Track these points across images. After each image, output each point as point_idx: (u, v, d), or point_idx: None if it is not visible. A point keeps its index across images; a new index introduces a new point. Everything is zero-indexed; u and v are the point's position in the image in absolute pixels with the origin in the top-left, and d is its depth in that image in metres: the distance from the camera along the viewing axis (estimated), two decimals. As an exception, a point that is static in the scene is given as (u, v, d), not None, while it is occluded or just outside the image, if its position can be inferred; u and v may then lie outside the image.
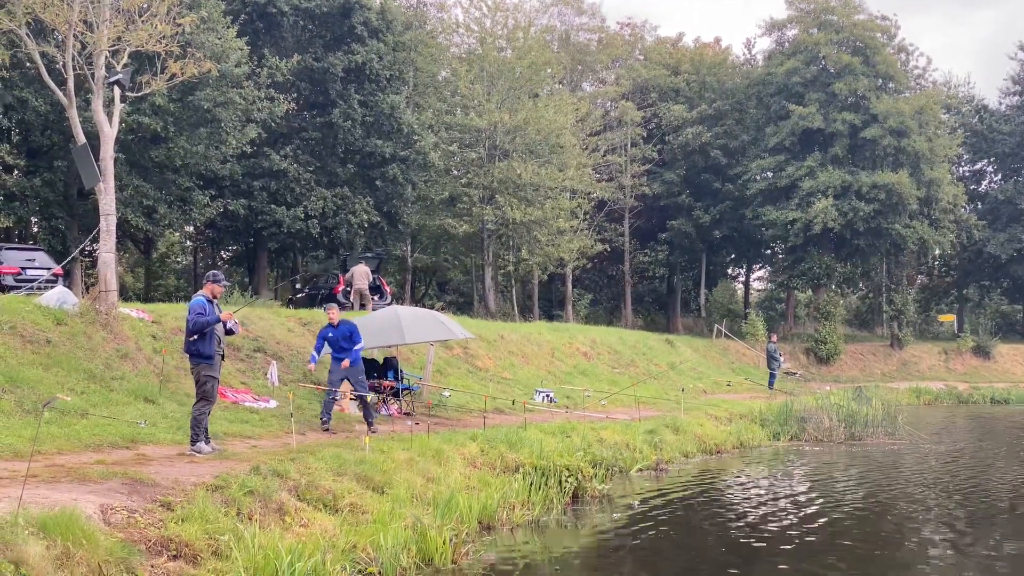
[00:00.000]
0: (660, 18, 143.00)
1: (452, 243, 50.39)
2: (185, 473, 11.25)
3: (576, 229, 50.38)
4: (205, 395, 13.58)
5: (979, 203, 68.83)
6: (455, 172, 49.48)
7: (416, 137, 41.74)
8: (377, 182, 42.08)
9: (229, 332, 14.11)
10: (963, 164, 69.64)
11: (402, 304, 38.62)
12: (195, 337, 13.48)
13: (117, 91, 19.83)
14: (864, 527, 14.93)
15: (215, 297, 13.78)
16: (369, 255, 37.61)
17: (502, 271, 49.06)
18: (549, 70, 52.08)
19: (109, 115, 19.82)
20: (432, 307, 40.20)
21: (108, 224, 19.24)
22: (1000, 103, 69.64)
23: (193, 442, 13.49)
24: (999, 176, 70.36)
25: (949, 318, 71.57)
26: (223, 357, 14.05)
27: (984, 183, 71.59)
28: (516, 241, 46.82)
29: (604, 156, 54.76)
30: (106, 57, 19.67)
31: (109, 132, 19.57)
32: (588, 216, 54.68)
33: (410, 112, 42.71)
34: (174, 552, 9.02)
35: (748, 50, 67.50)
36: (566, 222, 47.90)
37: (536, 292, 55.78)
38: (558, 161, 47.11)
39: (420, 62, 47.17)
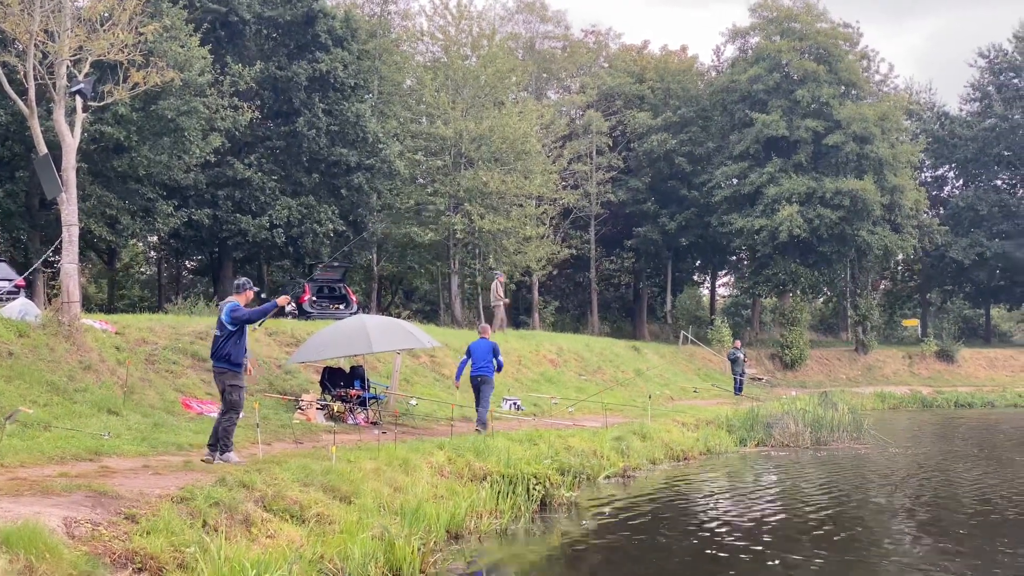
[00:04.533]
0: (628, 27, 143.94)
1: (418, 252, 50.28)
2: (150, 485, 11.16)
3: (542, 236, 50.40)
4: (232, 405, 13.79)
5: (941, 208, 69.44)
6: (421, 180, 49.42)
7: (381, 145, 41.65)
8: (342, 191, 41.96)
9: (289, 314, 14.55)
10: (925, 170, 70.18)
11: (368, 313, 38.57)
12: (232, 339, 13.80)
13: (79, 101, 19.70)
14: (831, 531, 15.00)
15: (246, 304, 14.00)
16: (335, 264, 37.54)
17: (468, 279, 49.02)
18: (514, 78, 52.06)
19: (71, 125, 19.68)
20: (398, 316, 40.17)
21: (70, 235, 19.09)
22: (961, 109, 70.33)
23: (222, 451, 13.66)
24: (960, 182, 71.05)
25: (913, 323, 72.13)
26: (246, 367, 14.31)
27: (946, 189, 72.26)
28: (483, 249, 46.78)
29: (569, 164, 54.81)
30: (68, 66, 19.53)
31: (71, 142, 19.43)
32: (554, 223, 54.76)
33: (375, 121, 42.60)
34: (139, 565, 8.95)
35: (717, 57, 67.84)
36: (532, 229, 47.91)
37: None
38: (523, 168, 47.11)
39: (385, 70, 47.14)
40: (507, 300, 35.55)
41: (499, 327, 35.63)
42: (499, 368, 21.68)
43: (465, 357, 21.83)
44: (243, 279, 14.46)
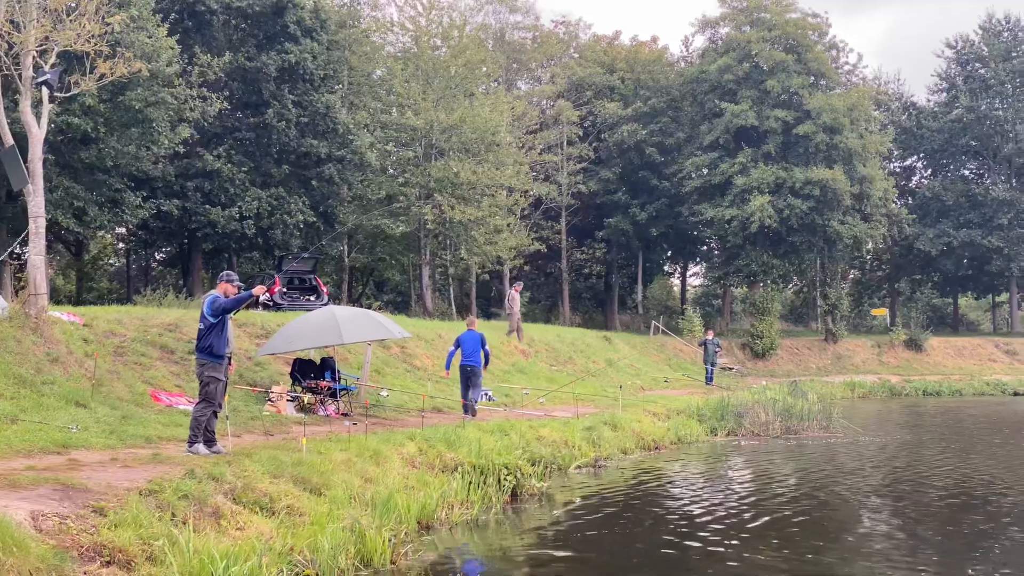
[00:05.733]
0: (598, 18, 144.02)
1: (389, 242, 50.21)
2: (118, 478, 11.10)
3: (512, 227, 50.39)
4: (207, 396, 13.78)
5: (909, 198, 69.90)
6: (392, 171, 49.32)
7: (352, 136, 41.55)
8: (313, 182, 41.83)
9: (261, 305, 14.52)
10: (893, 160, 70.62)
11: (339, 304, 38.46)
12: (212, 332, 13.78)
13: (45, 91, 19.52)
14: (801, 519, 15.08)
15: (227, 296, 13.98)
16: (305, 255, 37.42)
17: (440, 270, 48.95)
18: (484, 68, 52.09)
19: (37, 116, 19.51)
20: (369, 307, 40.07)
21: (37, 226, 18.94)
22: (928, 100, 70.81)
23: (190, 443, 13.60)
24: (928, 172, 71.52)
25: (882, 312, 72.57)
26: (230, 361, 14.29)
27: (914, 179, 72.72)
28: (454, 240, 46.76)
29: (540, 154, 54.80)
30: (34, 57, 19.35)
31: (38, 133, 19.27)
32: (525, 214, 54.79)
33: (345, 111, 42.48)
34: (107, 558, 8.89)
35: (686, 48, 68.05)
36: (503, 219, 47.88)
37: (474, 291, 55.77)
38: (494, 159, 47.08)
39: (355, 61, 46.97)
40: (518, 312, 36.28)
41: (515, 332, 36.00)
42: (486, 362, 22.79)
43: (453, 348, 22.73)
44: (225, 272, 14.51)
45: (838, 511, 16.05)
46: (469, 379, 22.58)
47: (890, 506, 16.60)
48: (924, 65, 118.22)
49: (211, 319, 13.71)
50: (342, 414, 21.07)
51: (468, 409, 22.14)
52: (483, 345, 22.57)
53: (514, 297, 36.36)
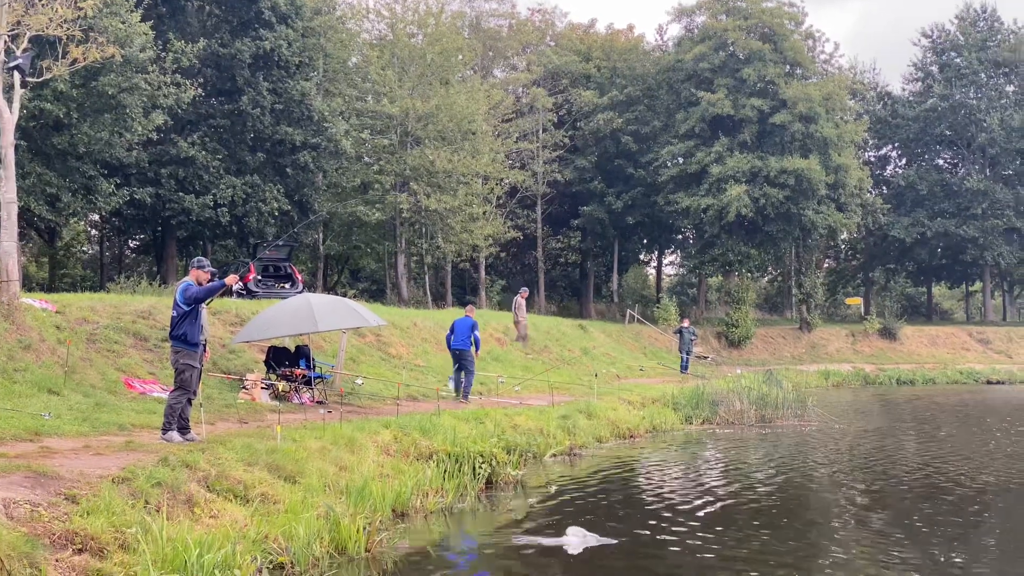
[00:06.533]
0: (574, 6, 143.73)
1: (364, 231, 50.09)
2: (91, 465, 11.02)
3: (488, 215, 50.34)
4: (182, 384, 13.72)
5: (884, 188, 70.20)
6: (367, 159, 49.17)
7: (327, 124, 41.36)
8: (288, 170, 41.65)
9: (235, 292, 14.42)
10: (868, 149, 70.89)
11: (314, 292, 38.35)
12: (186, 320, 13.71)
13: (17, 77, 19.36)
14: (774, 506, 15.14)
15: (200, 283, 13.89)
16: (280, 243, 37.29)
17: (415, 258, 48.89)
18: (460, 56, 51.93)
19: (9, 101, 19.34)
20: (345, 295, 39.98)
21: (9, 213, 18.79)
22: (903, 89, 71.08)
23: (164, 430, 13.56)
24: (903, 161, 71.84)
25: (856, 301, 72.97)
26: (205, 348, 14.21)
27: (889, 168, 73.02)
28: (429, 228, 46.67)
29: (516, 142, 54.73)
30: (5, 42, 19.18)
31: (9, 119, 19.10)
32: (501, 202, 54.73)
33: (320, 99, 42.31)
34: (80, 546, 8.82)
35: (660, 36, 68.11)
36: (479, 207, 47.84)
37: (449, 279, 55.73)
38: (470, 147, 47.02)
39: (330, 48, 46.73)
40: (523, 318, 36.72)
41: (522, 338, 36.47)
42: (477, 347, 24.43)
43: (449, 332, 24.77)
44: (196, 258, 14.44)
45: (810, 498, 16.13)
46: (461, 363, 24.29)
47: (860, 493, 16.68)
48: (891, 54, 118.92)
49: (184, 307, 13.64)
50: (317, 402, 21.00)
51: (459, 392, 23.85)
52: (474, 331, 24.15)
53: (520, 304, 36.44)
